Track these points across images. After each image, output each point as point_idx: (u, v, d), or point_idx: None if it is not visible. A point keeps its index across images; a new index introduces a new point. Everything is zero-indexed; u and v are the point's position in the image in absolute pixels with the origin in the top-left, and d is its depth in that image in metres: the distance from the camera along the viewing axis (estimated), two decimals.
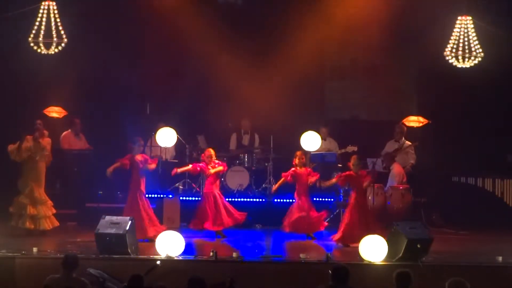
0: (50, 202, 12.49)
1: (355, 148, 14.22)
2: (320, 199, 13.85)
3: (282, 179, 12.77)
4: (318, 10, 15.20)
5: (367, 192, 12.33)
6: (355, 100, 16.78)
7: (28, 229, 12.24)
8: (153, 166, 12.31)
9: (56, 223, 12.54)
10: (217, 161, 12.92)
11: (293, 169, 12.69)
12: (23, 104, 14.73)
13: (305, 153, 12.97)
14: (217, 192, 12.66)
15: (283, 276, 9.96)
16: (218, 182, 12.87)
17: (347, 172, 12.07)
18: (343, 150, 14.39)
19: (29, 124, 12.73)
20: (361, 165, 12.17)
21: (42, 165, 12.44)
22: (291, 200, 14.04)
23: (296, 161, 12.70)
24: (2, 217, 12.51)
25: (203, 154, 13.02)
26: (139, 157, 12.22)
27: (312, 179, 12.63)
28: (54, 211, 12.53)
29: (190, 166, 12.82)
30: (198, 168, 12.70)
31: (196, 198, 14.00)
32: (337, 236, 11.87)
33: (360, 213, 11.83)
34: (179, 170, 12.75)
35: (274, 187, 13.24)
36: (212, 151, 12.88)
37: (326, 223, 12.71)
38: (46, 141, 12.49)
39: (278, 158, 14.84)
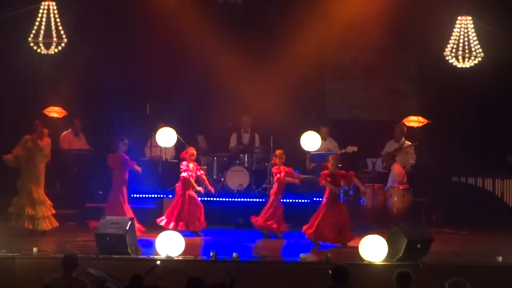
0: (49, 203, 12.44)
1: (355, 149, 14.24)
2: (320, 199, 13.82)
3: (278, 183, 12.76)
4: (318, 10, 15.21)
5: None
6: (355, 100, 16.78)
7: (27, 229, 12.21)
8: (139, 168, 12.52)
9: (56, 224, 12.50)
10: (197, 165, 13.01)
11: (276, 167, 12.70)
12: (23, 104, 14.72)
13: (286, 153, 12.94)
14: (192, 193, 12.69)
15: (283, 276, 9.96)
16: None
17: (326, 171, 12.06)
18: (343, 150, 14.38)
19: (29, 124, 12.71)
20: (339, 165, 12.15)
21: (42, 166, 12.40)
22: (291, 200, 14.08)
23: (277, 160, 12.69)
24: (2, 217, 12.49)
25: (184, 152, 12.91)
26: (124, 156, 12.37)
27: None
28: (53, 211, 12.50)
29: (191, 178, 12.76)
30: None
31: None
32: (308, 230, 11.89)
33: (333, 212, 11.84)
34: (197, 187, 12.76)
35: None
36: (194, 150, 12.88)
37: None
38: (46, 141, 12.43)
39: None
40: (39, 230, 12.25)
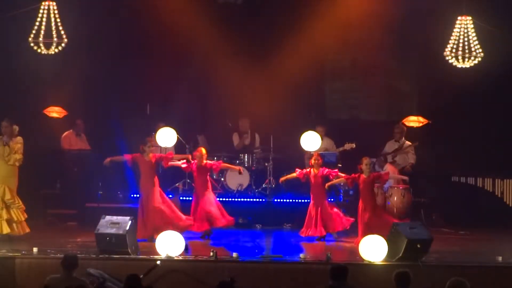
0: (22, 207, 11.85)
1: (353, 145, 14.12)
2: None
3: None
4: (318, 10, 15.21)
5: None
6: (355, 100, 16.78)
7: (6, 234, 11.63)
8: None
9: (27, 229, 11.91)
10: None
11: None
12: (23, 104, 14.71)
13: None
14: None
15: (283, 276, 9.96)
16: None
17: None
18: (341, 149, 14.34)
19: (29, 124, 12.67)
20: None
21: (14, 168, 11.82)
22: (291, 200, 14.09)
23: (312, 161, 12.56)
24: None
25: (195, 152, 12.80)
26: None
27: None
28: (25, 216, 11.92)
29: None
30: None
31: None
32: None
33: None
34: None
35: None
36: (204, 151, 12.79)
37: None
38: (17, 140, 11.83)
39: (278, 158, 14.85)
40: (15, 235, 11.73)
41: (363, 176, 11.92)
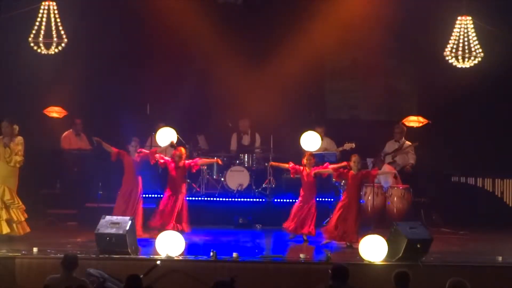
0: (22, 207, 11.81)
1: (353, 145, 14.03)
2: (320, 199, 13.82)
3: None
4: (318, 10, 15.21)
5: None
6: (355, 100, 16.78)
7: (5, 234, 11.59)
8: None
9: (28, 229, 11.87)
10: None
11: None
12: (23, 104, 14.71)
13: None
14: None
15: (283, 276, 9.97)
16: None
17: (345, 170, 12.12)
18: (340, 148, 14.30)
19: (29, 124, 12.65)
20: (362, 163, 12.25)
21: (15, 169, 11.79)
22: (291, 200, 14.06)
23: (305, 161, 12.61)
24: None
25: (175, 151, 12.83)
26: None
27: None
28: (26, 216, 11.87)
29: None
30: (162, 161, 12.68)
31: (196, 198, 14.07)
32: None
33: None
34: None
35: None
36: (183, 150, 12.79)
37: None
38: (18, 141, 11.77)
39: (278, 158, 14.83)
40: (15, 235, 11.67)
41: (352, 172, 11.96)
